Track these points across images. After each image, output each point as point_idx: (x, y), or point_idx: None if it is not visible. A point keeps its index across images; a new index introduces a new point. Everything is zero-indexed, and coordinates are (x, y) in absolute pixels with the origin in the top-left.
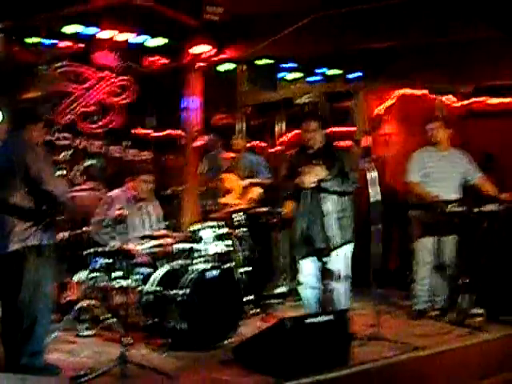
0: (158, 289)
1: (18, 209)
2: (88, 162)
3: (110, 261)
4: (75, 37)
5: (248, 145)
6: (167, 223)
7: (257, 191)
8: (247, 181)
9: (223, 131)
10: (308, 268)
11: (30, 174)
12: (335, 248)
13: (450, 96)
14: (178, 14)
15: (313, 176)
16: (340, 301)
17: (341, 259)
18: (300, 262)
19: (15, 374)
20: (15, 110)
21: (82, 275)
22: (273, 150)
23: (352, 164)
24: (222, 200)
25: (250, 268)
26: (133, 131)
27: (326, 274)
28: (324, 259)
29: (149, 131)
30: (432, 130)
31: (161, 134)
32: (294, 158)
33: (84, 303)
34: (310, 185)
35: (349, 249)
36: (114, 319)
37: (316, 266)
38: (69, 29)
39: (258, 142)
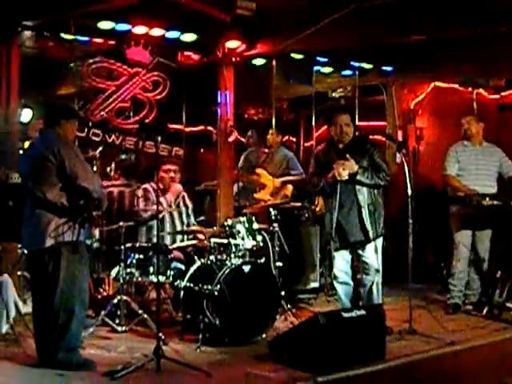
0: (193, 284)
1: (53, 205)
2: (121, 158)
3: (146, 256)
4: (109, 33)
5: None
6: (202, 218)
7: (290, 188)
8: (279, 180)
9: (257, 126)
10: (339, 264)
11: (64, 169)
12: (369, 241)
13: (482, 89)
14: (210, 8)
15: (347, 168)
16: (373, 294)
17: (372, 253)
18: (334, 254)
19: (52, 370)
20: (49, 106)
21: (117, 271)
22: (308, 144)
23: (384, 158)
24: (256, 195)
25: (282, 263)
26: (166, 127)
27: (358, 267)
28: (358, 252)
29: (181, 126)
30: (465, 124)
31: (193, 129)
32: (323, 153)
33: (119, 299)
34: (344, 177)
35: (379, 242)
36: (149, 314)
37: (346, 261)
38: (103, 25)
39: (290, 136)
